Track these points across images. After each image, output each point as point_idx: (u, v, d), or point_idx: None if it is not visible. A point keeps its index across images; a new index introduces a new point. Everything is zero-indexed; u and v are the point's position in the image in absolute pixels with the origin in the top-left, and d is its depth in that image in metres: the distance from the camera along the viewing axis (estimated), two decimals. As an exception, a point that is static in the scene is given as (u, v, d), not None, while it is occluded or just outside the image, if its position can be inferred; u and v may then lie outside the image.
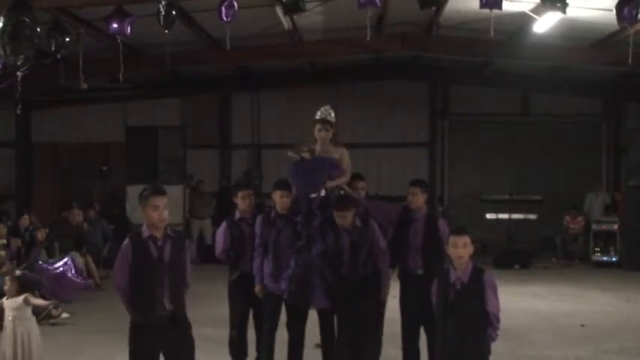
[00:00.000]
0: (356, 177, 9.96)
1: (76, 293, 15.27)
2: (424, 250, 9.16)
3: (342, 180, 9.41)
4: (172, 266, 6.92)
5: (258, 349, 9.64)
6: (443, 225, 9.31)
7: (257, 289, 9.26)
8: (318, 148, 9.33)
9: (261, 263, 9.21)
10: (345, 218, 8.71)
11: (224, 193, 22.87)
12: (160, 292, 6.82)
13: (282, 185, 9.20)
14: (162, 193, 6.99)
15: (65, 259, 15.77)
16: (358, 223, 8.87)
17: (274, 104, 24.57)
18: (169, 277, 6.89)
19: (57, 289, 14.49)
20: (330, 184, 9.18)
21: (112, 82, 18.13)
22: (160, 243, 6.87)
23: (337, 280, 8.75)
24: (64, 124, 24.70)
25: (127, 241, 6.95)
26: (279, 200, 9.13)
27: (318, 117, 9.45)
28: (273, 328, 9.34)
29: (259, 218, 9.33)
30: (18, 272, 9.55)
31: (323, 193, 9.07)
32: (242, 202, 9.83)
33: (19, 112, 15.36)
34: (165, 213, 6.88)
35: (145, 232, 6.90)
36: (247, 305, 9.57)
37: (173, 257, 6.93)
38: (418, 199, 9.44)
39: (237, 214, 9.87)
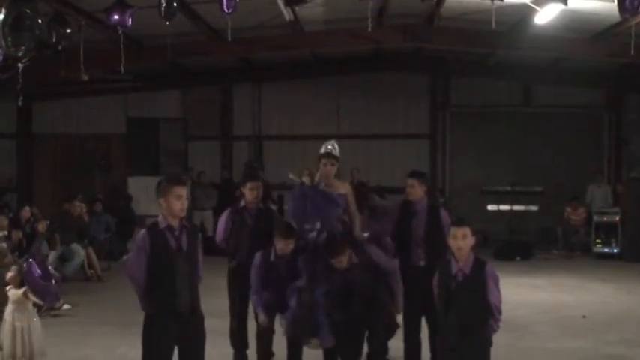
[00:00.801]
0: None
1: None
2: (427, 241, 9.15)
3: (360, 220, 9.34)
4: (189, 257, 6.92)
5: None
6: (445, 215, 9.28)
7: (261, 319, 9.15)
8: (322, 182, 9.16)
9: (259, 298, 9.13)
10: (342, 262, 8.70)
11: (226, 185, 22.90)
12: (180, 283, 6.80)
13: (288, 233, 9.00)
14: (184, 183, 7.06)
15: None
16: (355, 259, 8.84)
17: (275, 96, 24.54)
18: (187, 268, 6.89)
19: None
20: (358, 234, 9.15)
21: (112, 73, 18.13)
22: (177, 233, 6.86)
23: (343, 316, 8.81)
24: (65, 115, 24.75)
25: (143, 231, 6.89)
26: (284, 247, 8.99)
27: (323, 151, 9.24)
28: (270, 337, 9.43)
29: (257, 258, 9.19)
30: (25, 266, 9.50)
31: (318, 226, 8.99)
32: (250, 193, 9.82)
33: (20, 103, 15.34)
34: (187, 203, 6.91)
35: (162, 222, 6.86)
36: (246, 296, 9.56)
37: (189, 248, 6.93)
38: (417, 191, 9.40)
39: (242, 203, 9.88)
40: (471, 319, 6.91)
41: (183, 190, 6.88)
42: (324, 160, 9.16)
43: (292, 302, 8.82)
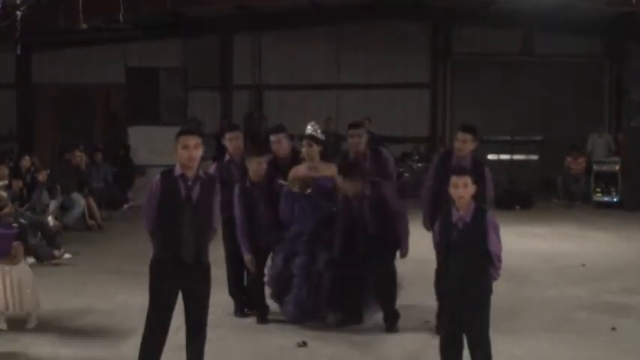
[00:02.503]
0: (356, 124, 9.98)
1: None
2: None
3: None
4: (199, 208, 6.95)
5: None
6: (489, 174, 9.06)
7: (247, 259, 9.42)
8: (306, 164, 9.53)
9: (245, 238, 9.40)
10: (354, 187, 8.90)
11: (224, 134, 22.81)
12: (186, 232, 6.86)
13: (258, 151, 9.62)
14: (192, 132, 7.09)
15: None
16: (368, 191, 8.97)
17: (275, 45, 24.42)
18: (195, 219, 6.92)
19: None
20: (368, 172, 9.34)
21: (112, 22, 18.03)
22: (189, 183, 6.90)
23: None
24: (65, 65, 24.61)
25: (158, 177, 7.00)
26: (257, 168, 9.42)
27: (306, 133, 9.61)
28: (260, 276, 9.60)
29: (237, 188, 9.45)
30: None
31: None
32: (230, 144, 10.02)
33: (19, 52, 15.26)
34: (196, 153, 6.90)
35: (177, 170, 6.94)
36: (238, 248, 9.64)
37: (201, 199, 6.96)
38: (468, 147, 9.02)
39: (227, 156, 9.96)
40: (471, 267, 6.92)
41: (189, 140, 6.90)
42: (304, 141, 9.54)
43: (295, 282, 9.17)
